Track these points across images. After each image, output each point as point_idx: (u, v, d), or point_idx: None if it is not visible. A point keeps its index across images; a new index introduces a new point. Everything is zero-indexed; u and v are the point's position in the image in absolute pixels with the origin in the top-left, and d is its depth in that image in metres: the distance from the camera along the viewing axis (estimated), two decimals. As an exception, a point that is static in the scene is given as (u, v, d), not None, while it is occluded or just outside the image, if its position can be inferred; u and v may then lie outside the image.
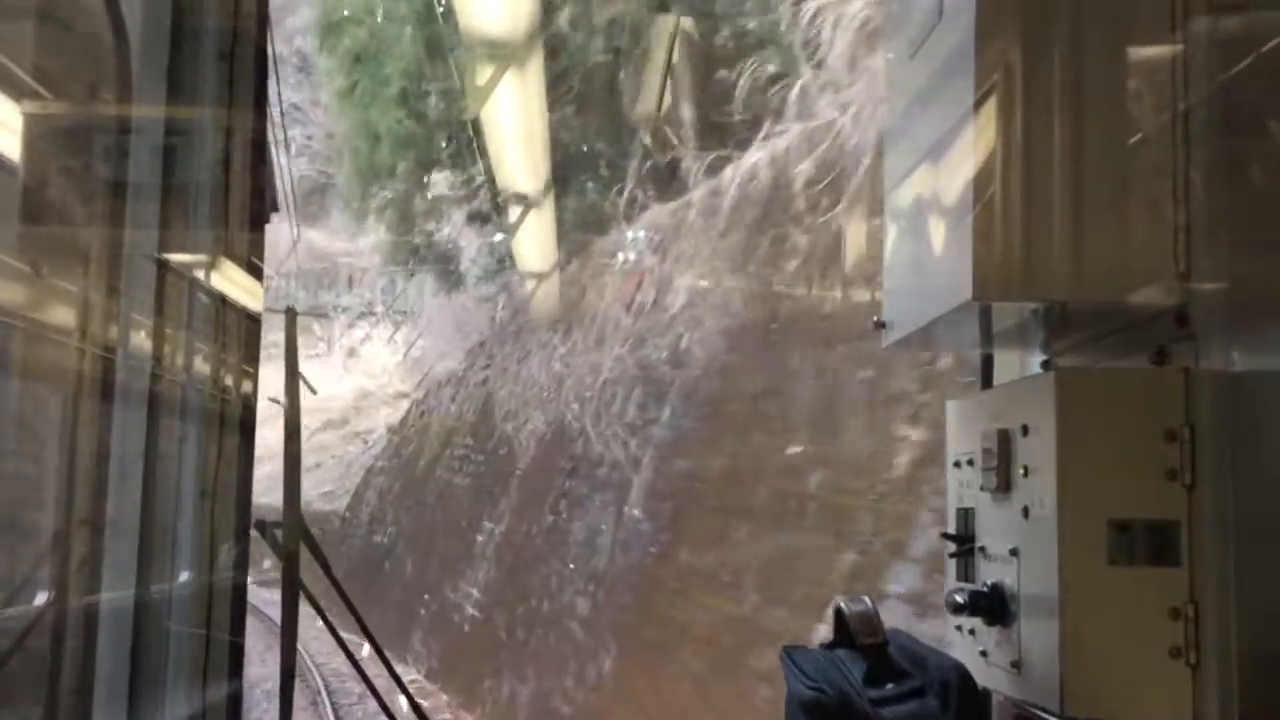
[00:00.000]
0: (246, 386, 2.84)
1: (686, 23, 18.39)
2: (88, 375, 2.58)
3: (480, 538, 20.04)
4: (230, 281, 2.80)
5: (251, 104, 2.74)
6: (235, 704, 2.65)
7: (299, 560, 2.31)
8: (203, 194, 2.68)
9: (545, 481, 17.96)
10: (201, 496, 2.73)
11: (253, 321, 2.78)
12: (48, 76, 2.57)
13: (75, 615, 2.51)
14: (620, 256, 19.38)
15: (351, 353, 39.45)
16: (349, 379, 37.65)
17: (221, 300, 2.82)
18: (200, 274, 2.79)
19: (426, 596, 21.37)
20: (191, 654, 2.63)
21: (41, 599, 2.53)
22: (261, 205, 2.79)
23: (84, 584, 2.53)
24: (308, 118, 38.48)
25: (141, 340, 2.63)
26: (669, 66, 18.42)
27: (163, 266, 2.62)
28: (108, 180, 2.60)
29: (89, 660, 2.45)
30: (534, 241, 21.55)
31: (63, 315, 2.64)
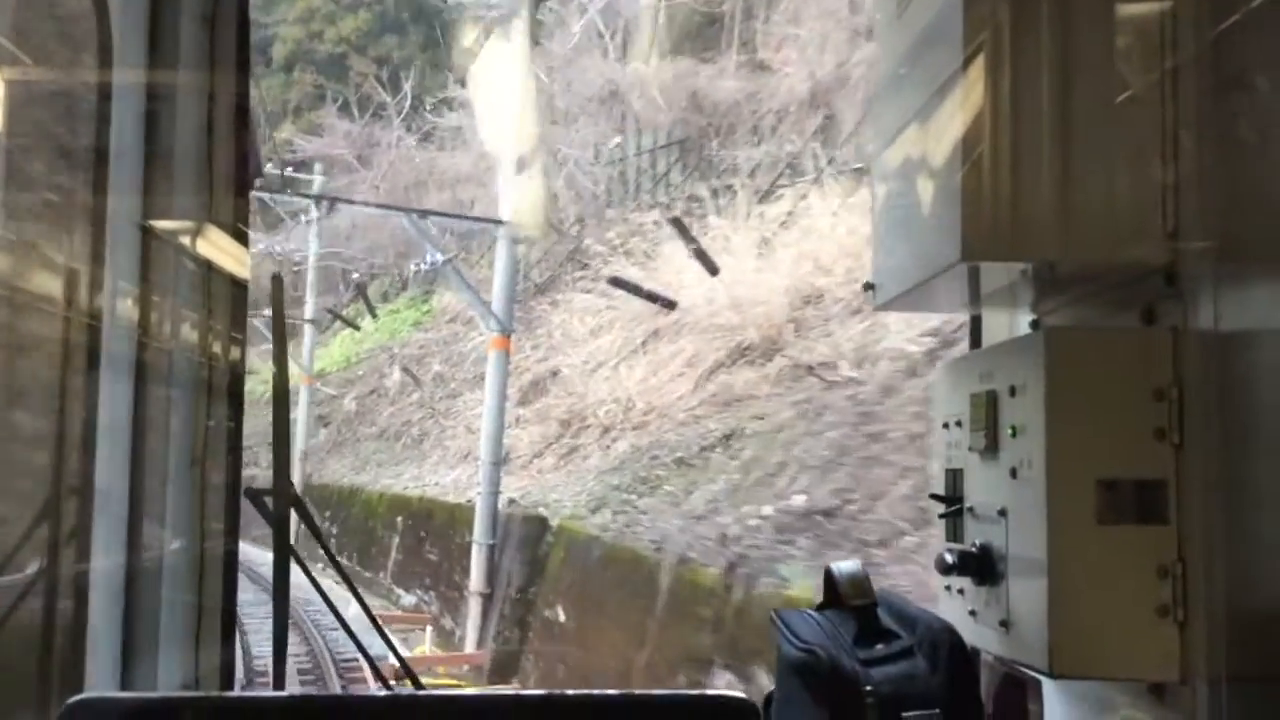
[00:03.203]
0: (235, 353, 2.83)
1: None
2: (74, 343, 2.57)
3: None
4: (217, 248, 2.78)
5: (234, 67, 2.71)
6: (228, 670, 2.66)
7: (289, 527, 2.30)
8: (186, 159, 2.65)
9: None
10: (192, 464, 2.72)
11: (239, 288, 2.76)
12: (26, 41, 2.54)
13: (66, 583, 2.51)
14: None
15: (764, 242, 19.78)
16: (762, 283, 18.36)
17: (208, 266, 2.80)
18: (186, 240, 2.77)
19: None
20: (185, 621, 2.63)
21: (32, 568, 2.53)
22: (246, 171, 2.77)
23: (75, 552, 2.53)
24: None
25: (128, 308, 2.61)
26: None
27: (147, 233, 2.60)
28: (89, 147, 2.57)
29: (80, 628, 2.45)
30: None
31: (46, 283, 2.62)
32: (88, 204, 2.57)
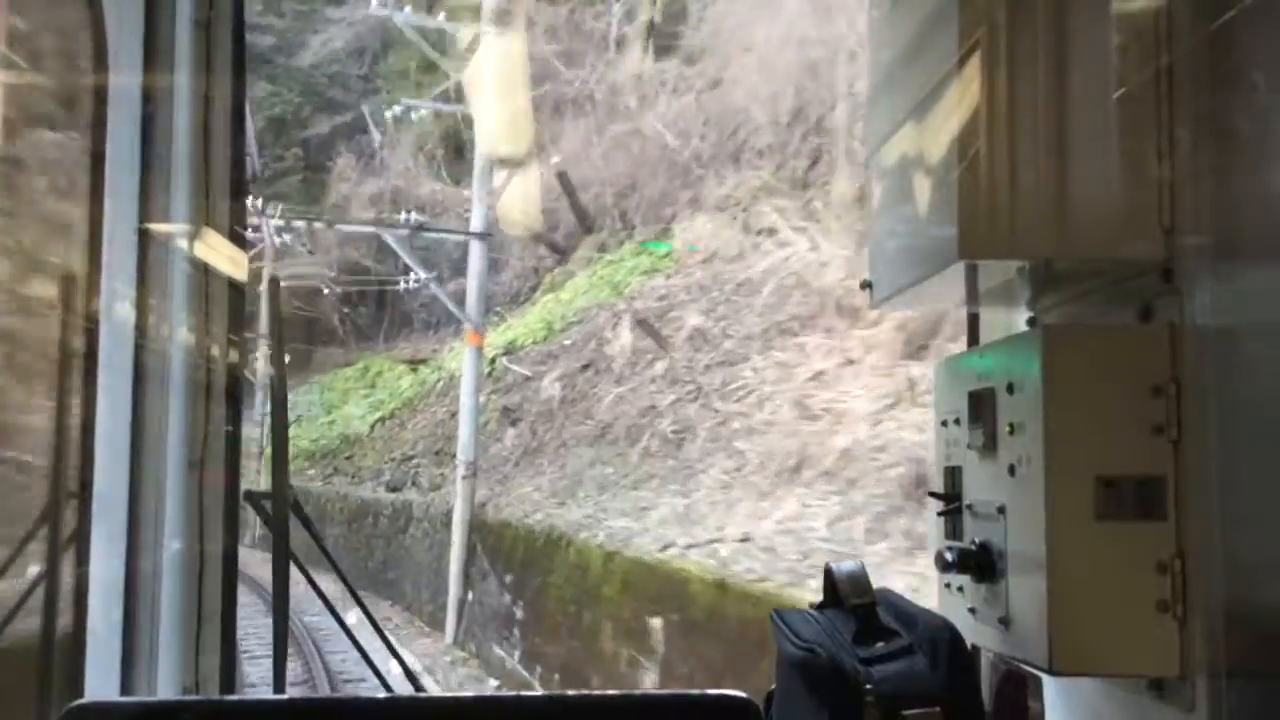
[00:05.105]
0: (233, 356, 2.83)
1: None
2: (73, 347, 2.57)
3: None
4: (214, 251, 2.79)
5: (229, 71, 2.71)
6: (228, 674, 2.66)
7: (289, 530, 2.31)
8: (183, 163, 2.65)
9: None
10: (191, 468, 2.72)
11: (237, 290, 2.76)
12: (19, 44, 2.54)
13: (65, 587, 2.51)
14: None
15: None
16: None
17: (206, 270, 2.80)
18: (183, 243, 2.77)
19: None
20: (184, 624, 2.63)
21: (31, 572, 2.53)
22: (242, 174, 2.77)
23: (74, 556, 2.53)
24: None
25: (126, 312, 2.61)
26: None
27: (144, 236, 2.61)
28: (85, 151, 2.57)
29: (79, 632, 2.45)
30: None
31: (44, 288, 2.62)
32: (84, 208, 2.57)
